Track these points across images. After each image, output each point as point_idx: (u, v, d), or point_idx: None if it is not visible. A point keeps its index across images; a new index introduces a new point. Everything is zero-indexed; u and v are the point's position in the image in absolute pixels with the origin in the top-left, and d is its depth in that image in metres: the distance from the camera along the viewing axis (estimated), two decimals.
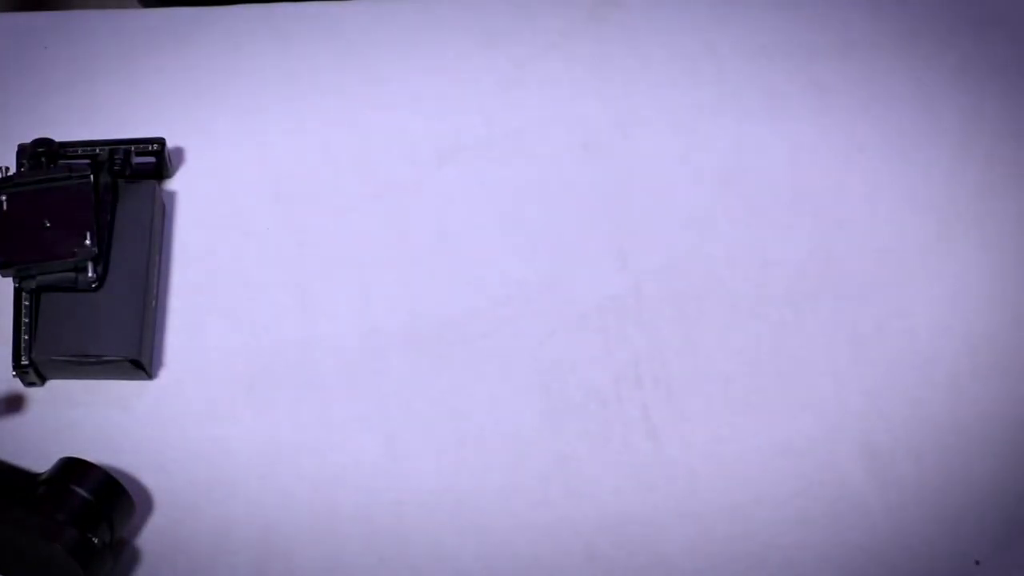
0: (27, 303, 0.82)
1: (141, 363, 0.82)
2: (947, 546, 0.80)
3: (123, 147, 0.87)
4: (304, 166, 0.91)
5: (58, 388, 0.83)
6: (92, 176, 0.84)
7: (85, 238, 0.82)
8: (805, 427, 0.83)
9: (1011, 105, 0.95)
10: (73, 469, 0.75)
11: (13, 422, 0.82)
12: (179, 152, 0.90)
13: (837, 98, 0.95)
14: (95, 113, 0.91)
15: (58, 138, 0.86)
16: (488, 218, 0.90)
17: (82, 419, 0.82)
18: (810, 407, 0.84)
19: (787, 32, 0.97)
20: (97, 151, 0.86)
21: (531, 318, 0.86)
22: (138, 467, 0.80)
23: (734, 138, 0.93)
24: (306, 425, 0.82)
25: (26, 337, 0.81)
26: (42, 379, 0.83)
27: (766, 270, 0.88)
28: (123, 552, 0.78)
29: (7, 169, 0.85)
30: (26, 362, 0.81)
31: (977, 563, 0.79)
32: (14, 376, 0.82)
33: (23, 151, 0.86)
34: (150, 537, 0.79)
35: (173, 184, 0.90)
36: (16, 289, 0.82)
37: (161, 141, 0.88)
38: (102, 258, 0.83)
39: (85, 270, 0.82)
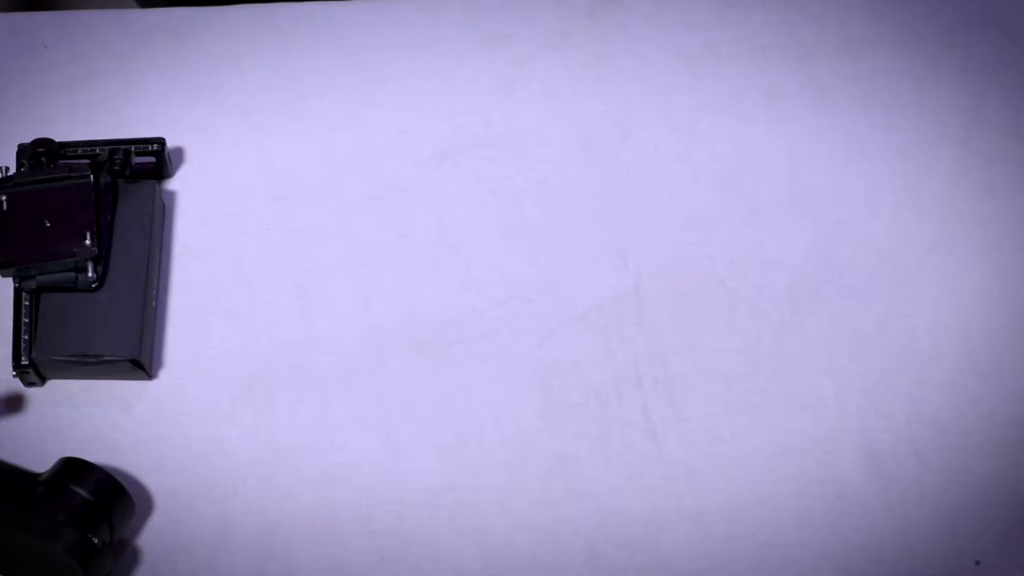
0: (27, 303, 0.82)
1: (141, 363, 0.82)
2: (947, 546, 0.80)
3: (123, 147, 0.87)
4: (304, 166, 0.91)
5: (58, 388, 0.83)
6: (92, 176, 0.84)
7: (85, 238, 0.82)
8: (805, 427, 0.83)
9: (1011, 105, 0.95)
10: (73, 469, 0.75)
11: (13, 422, 0.82)
12: (179, 152, 0.90)
13: (837, 98, 0.95)
14: (95, 113, 0.91)
15: (58, 138, 0.86)
16: (488, 218, 0.90)
17: (82, 419, 0.82)
18: (810, 407, 0.84)
19: (787, 32, 0.97)
20: (97, 151, 0.86)
21: (531, 318, 0.86)
22: (138, 467, 0.80)
23: (734, 138, 0.93)
24: (306, 425, 0.82)
25: (26, 337, 0.81)
26: (42, 379, 0.83)
27: (766, 270, 0.88)
28: (123, 552, 0.78)
29: (7, 169, 0.85)
30: (26, 362, 0.81)
31: (977, 563, 0.79)
32: (14, 376, 0.82)
33: (23, 151, 0.86)
34: (150, 537, 0.79)
35: (173, 184, 0.90)
36: (16, 289, 0.82)
37: (161, 141, 0.88)
38: (102, 258, 0.83)
39: (85, 270, 0.82)
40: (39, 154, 0.85)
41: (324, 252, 0.88)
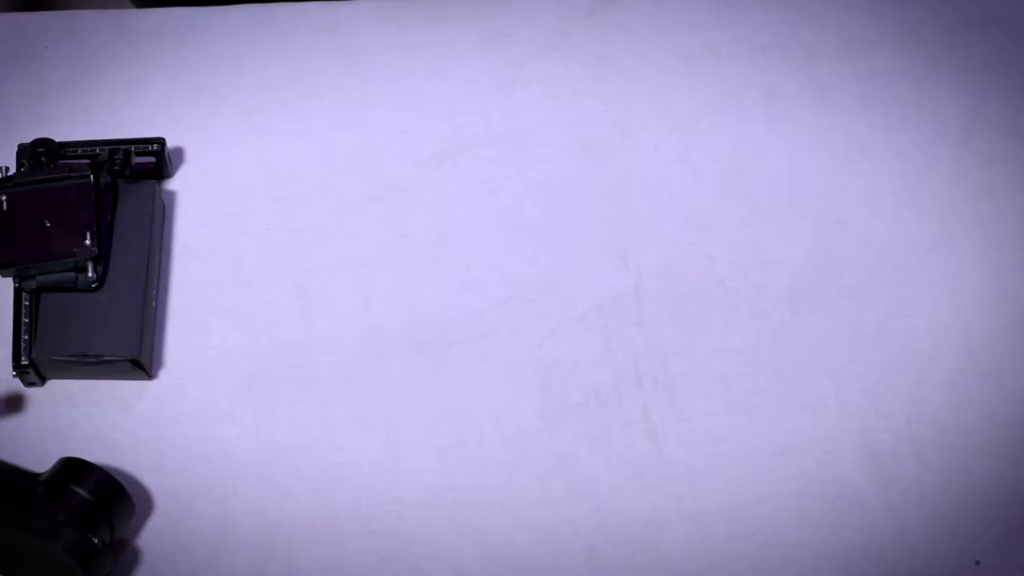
0: (27, 303, 0.82)
1: (141, 363, 0.82)
2: (947, 546, 0.80)
3: (123, 147, 0.87)
4: (304, 166, 0.91)
5: (58, 388, 0.83)
6: (92, 176, 0.84)
7: (85, 238, 0.82)
8: (805, 427, 0.83)
9: (1011, 105, 0.95)
10: (73, 469, 0.75)
11: (13, 422, 0.82)
12: (179, 152, 0.90)
13: (837, 98, 0.94)
14: (95, 113, 0.91)
15: (58, 138, 0.86)
16: (488, 218, 0.90)
17: (82, 419, 0.82)
18: (810, 407, 0.84)
19: (787, 32, 0.97)
20: (97, 151, 0.86)
21: (531, 318, 0.86)
22: (138, 467, 0.80)
23: (734, 138, 0.93)
24: (306, 425, 0.82)
25: (26, 337, 0.81)
26: (42, 379, 0.83)
27: (766, 270, 0.88)
28: (123, 552, 0.78)
29: (7, 169, 0.85)
30: (26, 362, 0.81)
31: (977, 563, 0.79)
32: (14, 376, 0.82)
33: (23, 151, 0.86)
34: (150, 537, 0.79)
35: (173, 184, 0.90)
36: (16, 289, 0.82)
37: (161, 141, 0.88)
38: (102, 258, 0.83)
39: (85, 270, 0.82)
40: (39, 154, 0.85)
41: (324, 252, 0.88)
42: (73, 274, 0.82)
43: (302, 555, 0.79)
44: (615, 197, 0.91)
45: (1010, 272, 0.89)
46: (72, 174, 0.84)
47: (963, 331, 0.86)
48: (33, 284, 0.82)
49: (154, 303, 0.85)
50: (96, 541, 0.73)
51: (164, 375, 0.84)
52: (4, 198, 0.83)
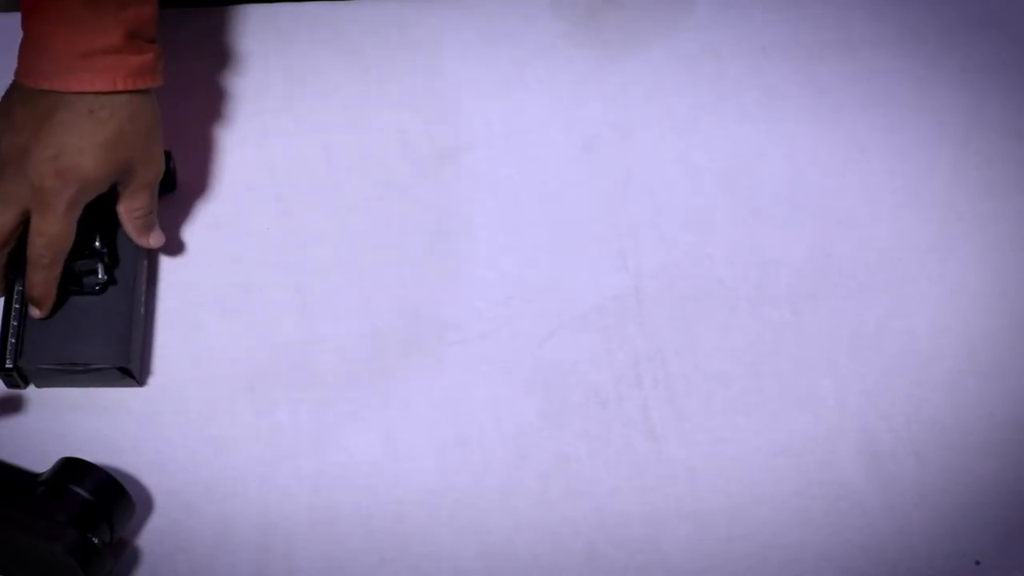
0: (17, 305, 0.81)
1: (130, 371, 0.81)
2: (947, 546, 0.80)
3: None
4: (304, 166, 0.91)
5: (58, 388, 0.83)
6: None
7: (94, 240, 0.82)
8: (805, 427, 0.83)
9: (1011, 105, 0.95)
10: (73, 469, 0.75)
11: (13, 422, 0.82)
12: (179, 152, 0.90)
13: (837, 98, 0.95)
14: None
15: None
16: (488, 218, 0.90)
17: (82, 419, 0.82)
18: (810, 407, 0.84)
19: (787, 32, 0.97)
20: None
21: (531, 318, 0.86)
22: (138, 467, 0.80)
23: (734, 138, 0.93)
24: (306, 425, 0.82)
25: (12, 340, 0.80)
26: (25, 382, 0.82)
27: (766, 270, 0.88)
28: (123, 552, 0.78)
29: None
30: (10, 366, 0.80)
31: (977, 563, 0.79)
32: None
33: None
34: (150, 537, 0.79)
35: None
36: (6, 291, 0.82)
37: (167, 153, 0.86)
38: (110, 260, 0.82)
39: (94, 272, 0.82)
40: None
41: (324, 252, 0.88)
42: (79, 275, 0.81)
43: (302, 555, 0.79)
44: (615, 197, 0.91)
45: (1010, 272, 0.89)
46: None
47: (963, 331, 0.86)
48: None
49: (142, 309, 0.84)
50: (96, 541, 0.73)
51: (164, 375, 0.84)
52: None
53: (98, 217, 0.82)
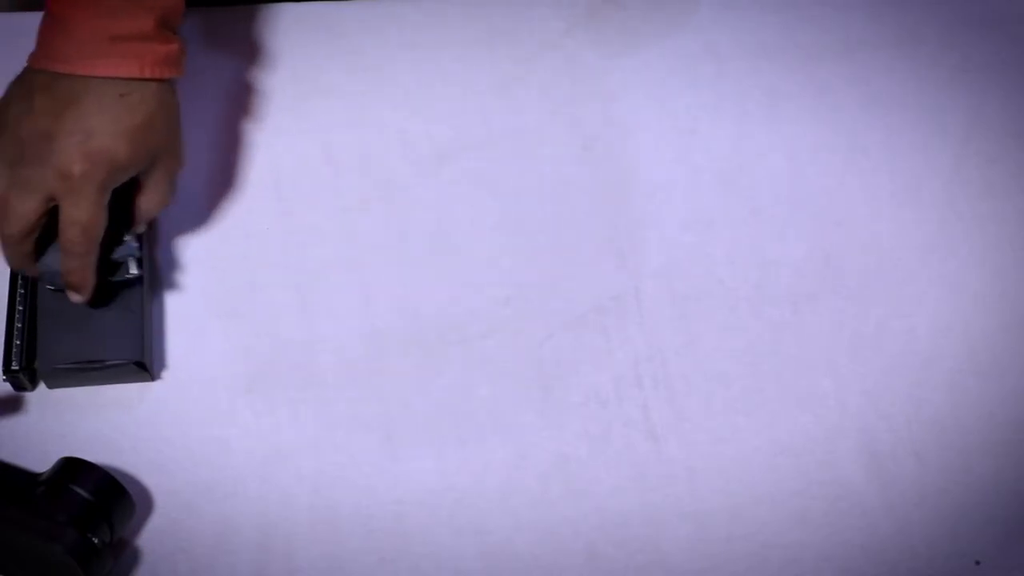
0: (21, 308, 0.81)
1: (145, 364, 0.82)
2: (947, 546, 0.80)
3: None
4: (304, 166, 0.91)
5: (58, 389, 0.83)
6: None
7: (124, 236, 0.82)
8: (805, 427, 0.83)
9: (1011, 105, 0.95)
10: (73, 469, 0.75)
11: (13, 422, 0.82)
12: None
13: (837, 98, 0.95)
14: None
15: None
16: (488, 218, 0.90)
17: (82, 419, 0.82)
18: (810, 407, 0.84)
19: (787, 32, 0.97)
20: None
21: (531, 318, 0.86)
22: (138, 467, 0.80)
23: (734, 138, 0.93)
24: (306, 425, 0.82)
25: (18, 342, 0.80)
26: (33, 384, 0.82)
27: (766, 270, 0.88)
28: (123, 552, 0.78)
29: None
30: (16, 367, 0.80)
31: (977, 563, 0.80)
32: (3, 380, 0.81)
33: None
34: (150, 537, 0.79)
35: None
36: (11, 290, 0.82)
37: None
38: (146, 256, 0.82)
39: (125, 266, 0.81)
40: None
41: (324, 252, 0.88)
42: (114, 266, 0.81)
43: (302, 555, 0.79)
44: (615, 197, 0.91)
45: (1010, 272, 0.89)
46: None
47: (963, 331, 0.86)
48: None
49: (150, 304, 0.84)
50: (96, 541, 0.73)
51: (164, 375, 0.84)
52: None
53: (127, 213, 0.82)
